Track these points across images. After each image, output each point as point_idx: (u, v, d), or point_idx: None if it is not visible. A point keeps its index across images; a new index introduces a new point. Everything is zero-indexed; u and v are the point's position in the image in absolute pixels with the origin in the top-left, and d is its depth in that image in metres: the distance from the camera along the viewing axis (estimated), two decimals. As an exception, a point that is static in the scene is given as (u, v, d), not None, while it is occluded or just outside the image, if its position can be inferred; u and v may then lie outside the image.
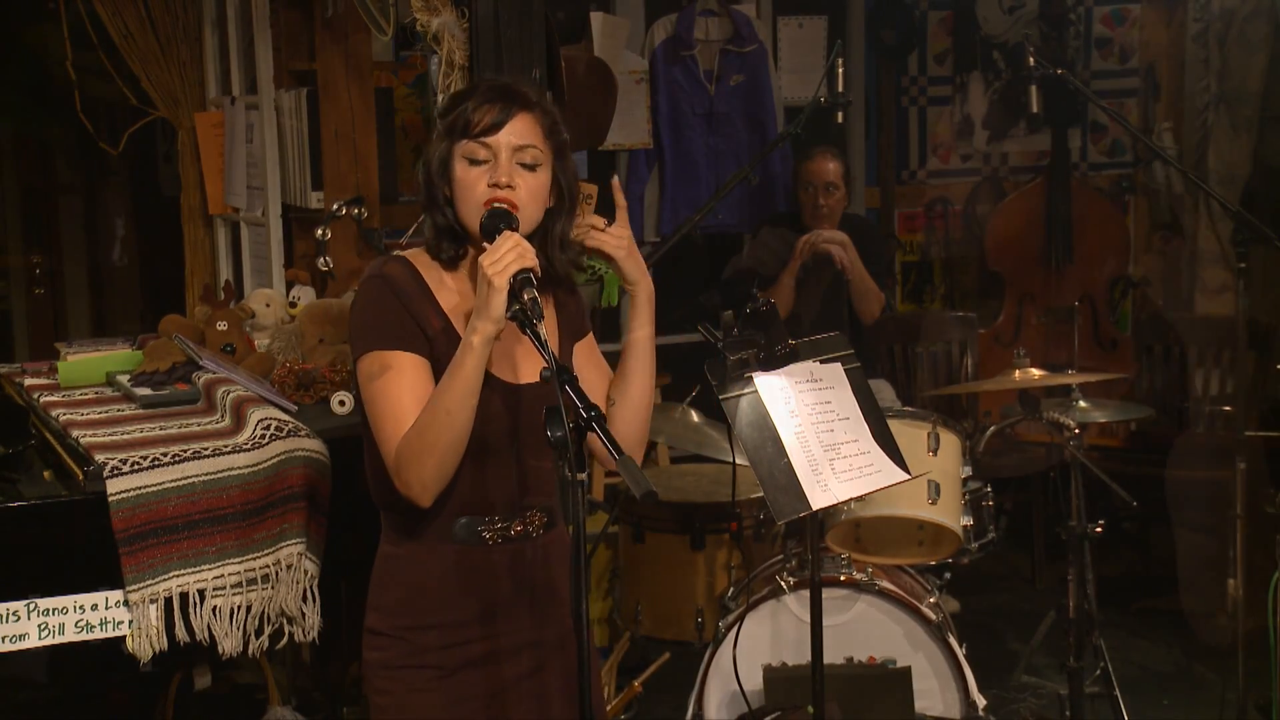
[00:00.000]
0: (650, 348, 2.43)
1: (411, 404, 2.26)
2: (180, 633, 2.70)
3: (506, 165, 2.28)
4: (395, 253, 2.44)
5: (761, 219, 5.21)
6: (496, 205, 2.27)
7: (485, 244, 2.23)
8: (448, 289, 2.36)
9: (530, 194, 2.30)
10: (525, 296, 2.15)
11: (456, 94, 2.42)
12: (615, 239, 2.37)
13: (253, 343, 3.57)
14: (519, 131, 2.30)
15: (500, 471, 2.34)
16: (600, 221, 2.38)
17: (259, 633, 2.79)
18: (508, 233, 2.21)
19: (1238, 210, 3.90)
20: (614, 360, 2.48)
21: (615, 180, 2.46)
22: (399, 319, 2.30)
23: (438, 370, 2.29)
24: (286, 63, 4.43)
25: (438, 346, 2.30)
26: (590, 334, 2.50)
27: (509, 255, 2.17)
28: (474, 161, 2.30)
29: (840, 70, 4.00)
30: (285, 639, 2.83)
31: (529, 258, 2.18)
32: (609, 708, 3.69)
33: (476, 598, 2.36)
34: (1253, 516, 3.83)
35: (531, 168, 2.30)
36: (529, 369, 2.35)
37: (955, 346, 5.55)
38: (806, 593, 3.17)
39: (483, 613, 2.36)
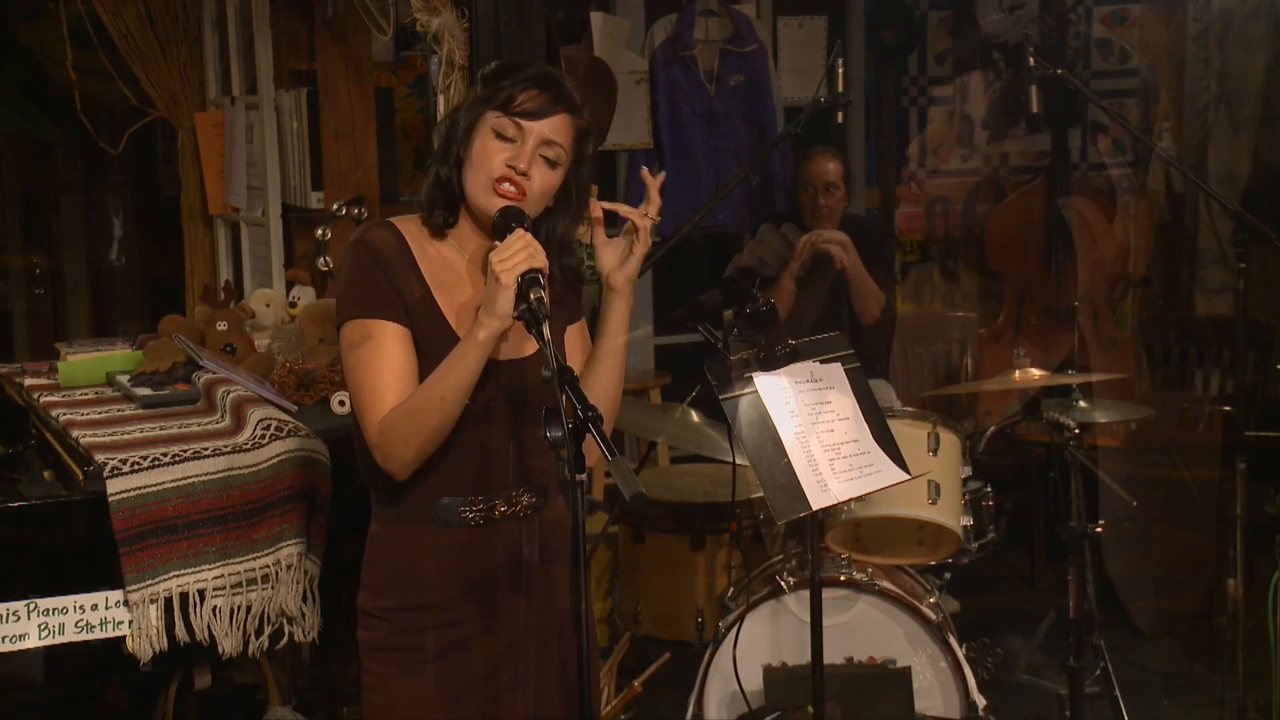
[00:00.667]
0: (623, 353, 2.44)
1: (391, 375, 2.27)
2: (180, 633, 2.71)
3: (530, 153, 2.29)
4: (383, 218, 2.45)
5: (761, 219, 5.22)
6: (509, 205, 2.28)
7: (496, 241, 2.23)
8: (431, 258, 2.36)
9: (541, 189, 2.31)
10: (532, 296, 2.16)
11: (506, 65, 2.41)
12: (647, 219, 2.37)
13: (253, 343, 3.57)
14: (554, 127, 2.30)
15: (487, 452, 2.34)
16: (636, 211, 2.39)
17: (259, 633, 2.79)
18: (519, 231, 2.21)
19: (1238, 210, 3.90)
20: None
21: (645, 171, 2.44)
22: (381, 286, 2.30)
23: (415, 340, 2.30)
24: (286, 63, 4.43)
25: (416, 316, 2.31)
26: (583, 320, 2.51)
27: (519, 255, 2.17)
28: (501, 136, 2.30)
29: (840, 70, 4.00)
30: (285, 639, 2.83)
31: (539, 258, 2.19)
32: (609, 708, 3.69)
33: (461, 579, 2.36)
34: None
35: (552, 164, 2.31)
36: (531, 343, 2.36)
37: (955, 346, 5.55)
38: (806, 593, 3.16)
39: (469, 594, 2.36)
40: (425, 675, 2.35)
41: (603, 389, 2.39)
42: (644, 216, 2.36)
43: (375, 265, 2.31)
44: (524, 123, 2.29)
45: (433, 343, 2.29)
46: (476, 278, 2.36)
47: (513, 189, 2.28)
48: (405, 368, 2.28)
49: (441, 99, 3.20)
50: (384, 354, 2.29)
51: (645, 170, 2.43)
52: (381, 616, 2.38)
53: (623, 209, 2.38)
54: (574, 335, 2.49)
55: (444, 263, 2.36)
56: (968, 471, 3.68)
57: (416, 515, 2.35)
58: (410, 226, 2.38)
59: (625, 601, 4.05)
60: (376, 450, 2.27)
